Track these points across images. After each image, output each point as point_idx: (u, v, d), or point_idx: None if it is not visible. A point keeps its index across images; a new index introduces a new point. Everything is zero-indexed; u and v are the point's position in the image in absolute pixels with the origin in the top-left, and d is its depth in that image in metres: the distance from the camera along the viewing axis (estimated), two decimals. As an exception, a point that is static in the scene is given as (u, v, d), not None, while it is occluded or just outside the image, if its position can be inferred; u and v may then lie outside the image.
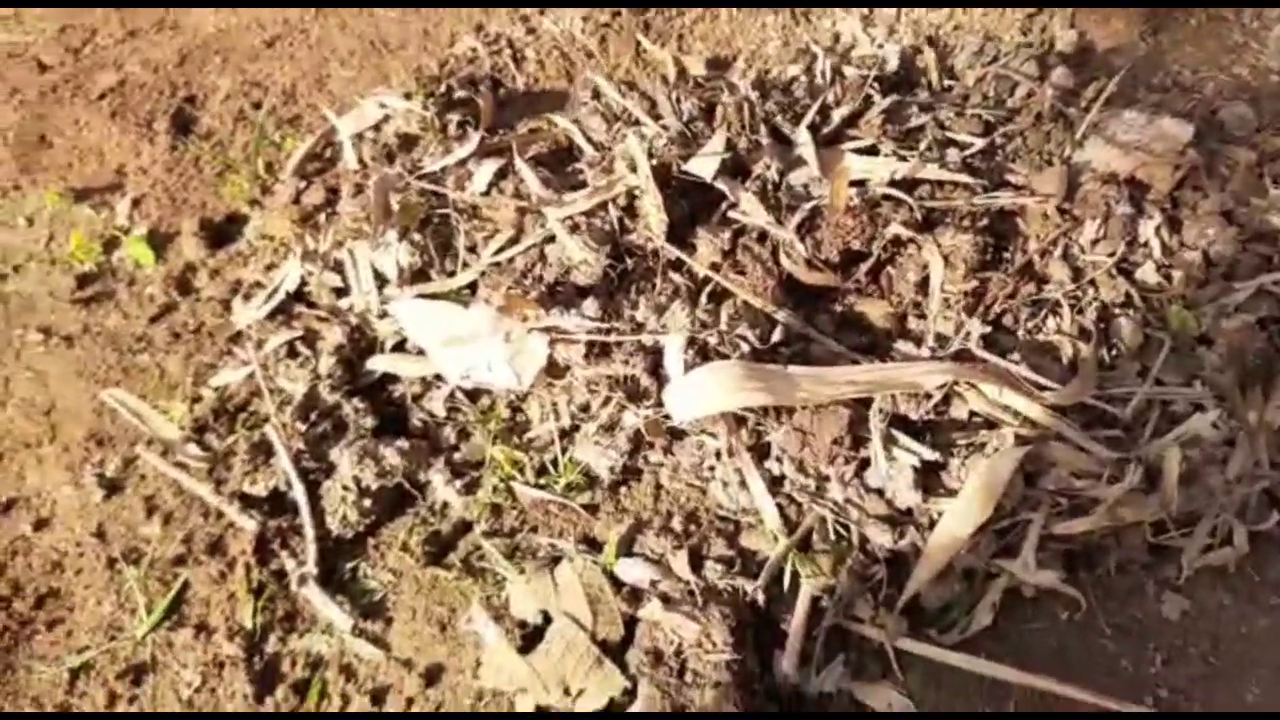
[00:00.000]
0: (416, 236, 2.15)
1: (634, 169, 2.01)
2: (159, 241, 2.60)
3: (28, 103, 2.92)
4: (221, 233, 2.62)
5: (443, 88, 2.80)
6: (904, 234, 2.00)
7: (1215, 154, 2.32)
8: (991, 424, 1.90)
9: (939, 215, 2.10)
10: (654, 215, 1.98)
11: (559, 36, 3.09)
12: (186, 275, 2.52)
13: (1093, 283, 2.06)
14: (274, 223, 2.50)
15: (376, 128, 2.66)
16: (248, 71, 3.04)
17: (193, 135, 2.87)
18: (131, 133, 2.84)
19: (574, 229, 2.00)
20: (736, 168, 2.08)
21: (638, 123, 2.15)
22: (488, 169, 2.19)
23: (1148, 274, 2.08)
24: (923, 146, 2.16)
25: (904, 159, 2.12)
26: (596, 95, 2.27)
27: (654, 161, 1.96)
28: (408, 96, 2.71)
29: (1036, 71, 2.43)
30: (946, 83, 2.42)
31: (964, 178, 2.12)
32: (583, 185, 2.10)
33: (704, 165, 2.00)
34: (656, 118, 2.16)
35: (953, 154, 2.17)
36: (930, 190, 2.14)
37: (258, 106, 2.94)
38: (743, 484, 1.82)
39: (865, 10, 3.12)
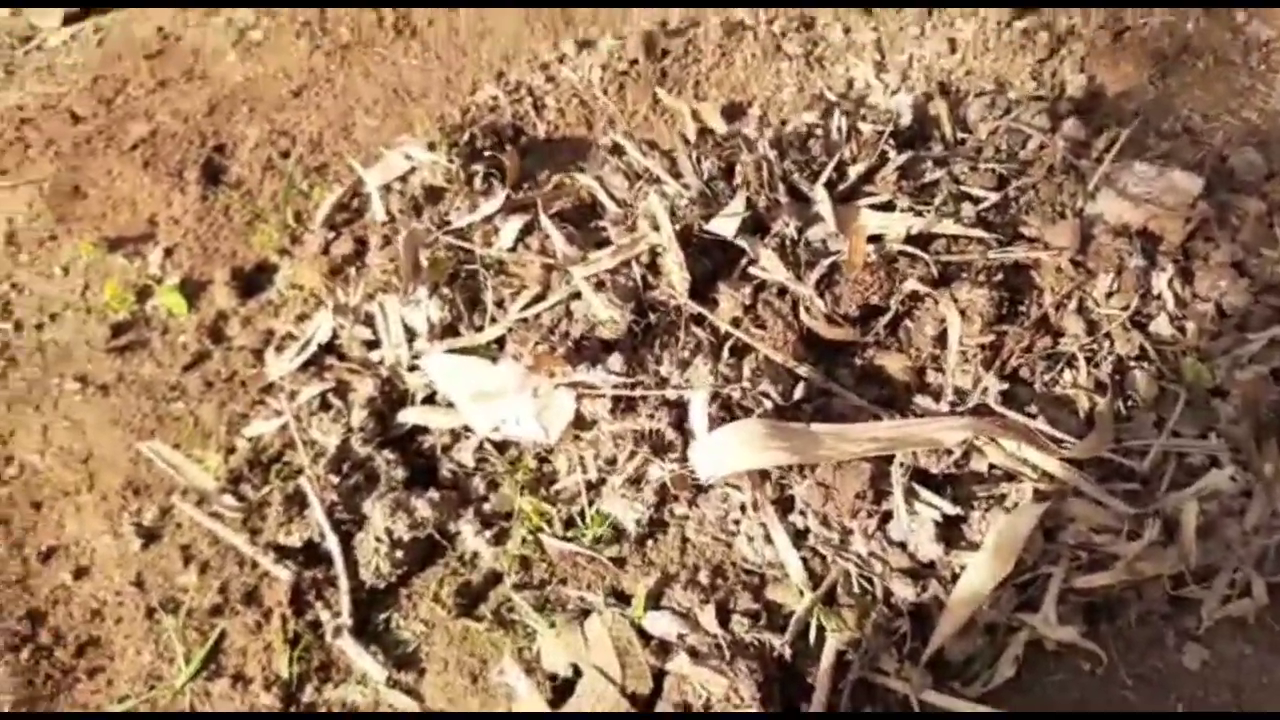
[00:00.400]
0: (445, 291, 2.21)
1: (656, 227, 2.07)
2: (191, 290, 2.67)
3: (63, 154, 3.00)
4: (252, 282, 2.68)
5: (466, 137, 2.87)
6: (921, 289, 2.05)
7: (1226, 204, 2.37)
8: (1011, 476, 1.94)
9: (955, 270, 2.15)
10: (676, 273, 2.03)
11: (578, 84, 3.16)
12: (218, 324, 2.59)
13: (1108, 335, 2.11)
14: (304, 273, 2.57)
15: (403, 179, 2.73)
16: (275, 121, 3.12)
17: (222, 184, 2.95)
18: (163, 182, 2.92)
19: (599, 286, 2.06)
20: (756, 225, 2.14)
21: (659, 181, 2.21)
22: (514, 225, 2.25)
23: (1161, 326, 2.12)
24: (938, 201, 2.21)
25: (920, 214, 2.17)
26: (618, 152, 2.34)
27: (677, 226, 2.01)
28: (432, 147, 2.78)
29: (1048, 124, 2.48)
30: (960, 135, 2.48)
31: (978, 232, 2.17)
32: (606, 242, 2.16)
33: (725, 225, 2.06)
34: (677, 176, 2.22)
35: (967, 208, 2.22)
36: (946, 244, 2.19)
37: (286, 155, 3.02)
38: (768, 538, 1.87)
39: (878, 57, 3.20)
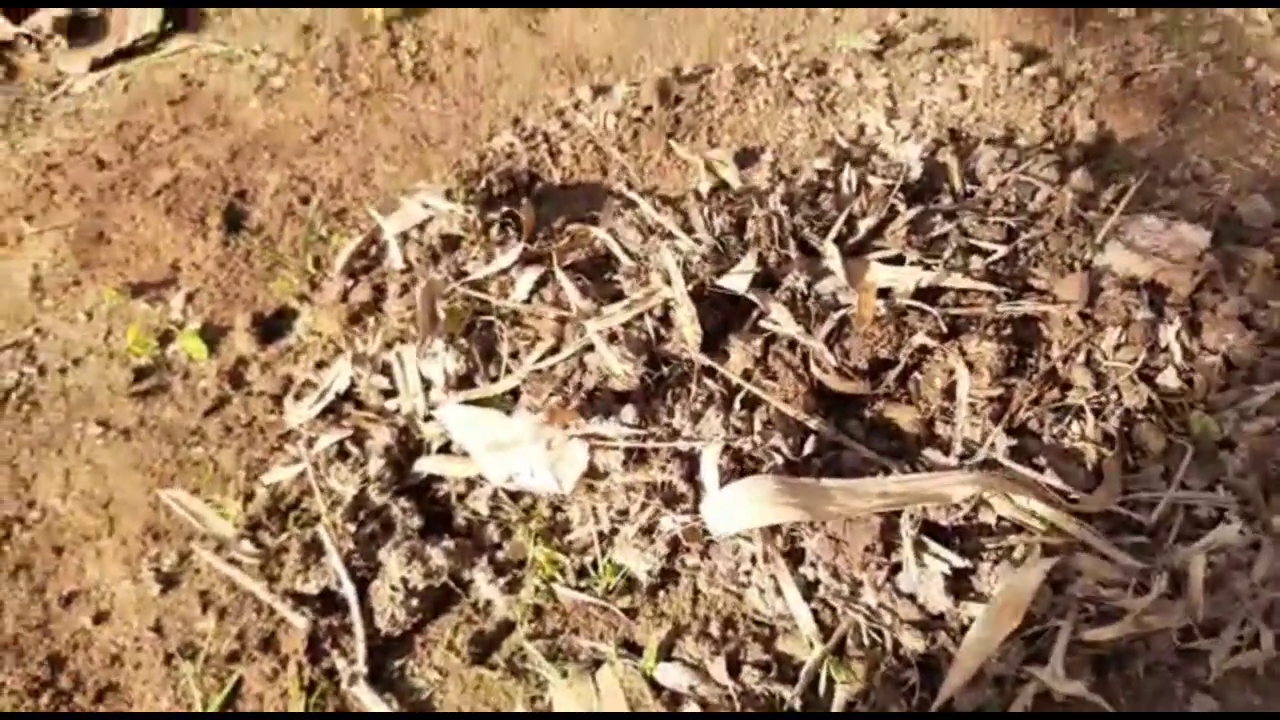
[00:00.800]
0: (462, 342, 2.28)
1: (669, 281, 2.14)
2: (212, 336, 2.75)
3: (88, 200, 3.11)
4: (272, 327, 2.76)
5: (482, 184, 2.96)
6: (929, 343, 2.11)
7: (1233, 256, 2.42)
8: (1020, 529, 1.99)
9: (964, 323, 2.21)
10: (688, 327, 2.10)
11: (593, 131, 3.26)
12: (239, 369, 2.67)
13: (1115, 388, 2.15)
14: (323, 320, 2.65)
15: (420, 227, 2.81)
16: (296, 167, 3.22)
17: (244, 230, 3.04)
18: (186, 228, 3.01)
19: (612, 339, 2.13)
20: (767, 279, 2.21)
21: (671, 236, 2.28)
22: (529, 277, 2.33)
23: (1169, 379, 2.17)
24: (947, 254, 2.27)
25: (929, 268, 2.23)
26: (631, 205, 2.41)
27: (690, 284, 2.08)
28: (449, 195, 2.87)
29: (1056, 176, 2.55)
30: (969, 187, 2.54)
31: (987, 285, 2.23)
32: (620, 295, 2.23)
33: (737, 281, 2.12)
34: (689, 231, 2.30)
35: (976, 261, 2.28)
36: (955, 297, 2.25)
37: (306, 201, 3.11)
38: (778, 590, 1.91)
39: (889, 103, 3.28)
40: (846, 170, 2.42)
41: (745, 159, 3.14)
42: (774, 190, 2.33)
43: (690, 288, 2.11)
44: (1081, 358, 2.19)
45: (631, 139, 3.24)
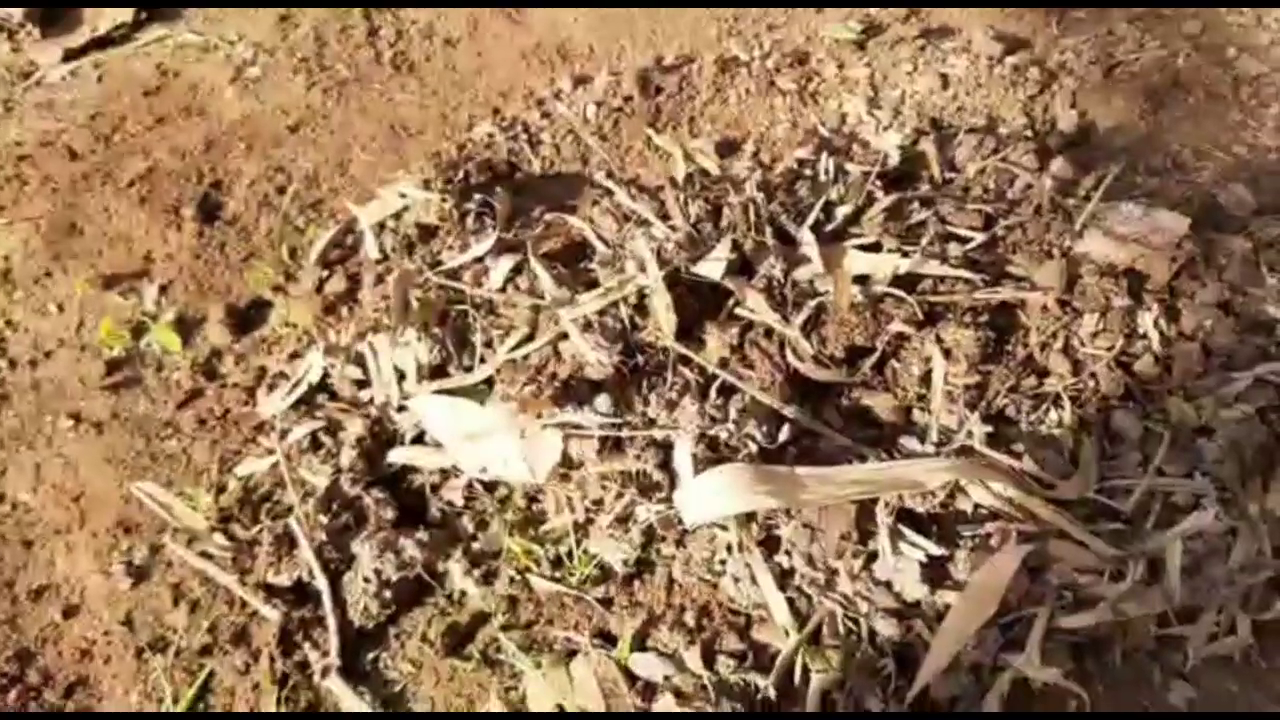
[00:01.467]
0: (436, 331, 2.27)
1: (644, 269, 2.13)
2: (186, 328, 2.73)
3: (60, 191, 3.08)
4: (246, 319, 2.74)
5: (460, 174, 2.95)
6: (906, 330, 2.11)
7: (1212, 243, 2.42)
8: (996, 516, 1.98)
9: (941, 310, 2.21)
10: (664, 315, 2.09)
11: (573, 121, 3.24)
12: (212, 361, 2.65)
13: (1093, 375, 2.15)
14: (297, 311, 2.63)
15: (397, 216, 2.79)
16: (272, 157, 3.20)
17: (219, 221, 3.01)
18: (159, 220, 2.99)
19: (586, 327, 2.12)
20: (743, 266, 2.20)
21: (647, 223, 2.27)
22: (504, 266, 2.32)
23: (1147, 366, 2.17)
24: (924, 241, 2.27)
25: (906, 255, 2.23)
26: (608, 194, 2.40)
27: (664, 270, 2.07)
28: (426, 184, 2.85)
29: (1036, 163, 2.55)
30: (947, 175, 2.54)
31: (965, 273, 2.22)
32: (595, 283, 2.22)
33: (712, 268, 2.12)
34: (665, 218, 2.29)
35: (954, 248, 2.28)
36: (933, 284, 2.25)
37: (282, 191, 3.09)
38: (753, 579, 1.91)
39: (870, 93, 3.27)
40: (824, 158, 2.41)
41: (726, 149, 3.13)
42: (750, 177, 2.32)
43: (665, 275, 2.10)
44: (1059, 344, 2.19)
45: (612, 128, 3.23)
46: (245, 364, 2.63)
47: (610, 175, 3.10)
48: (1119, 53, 3.38)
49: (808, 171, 2.44)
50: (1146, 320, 2.22)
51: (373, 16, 3.66)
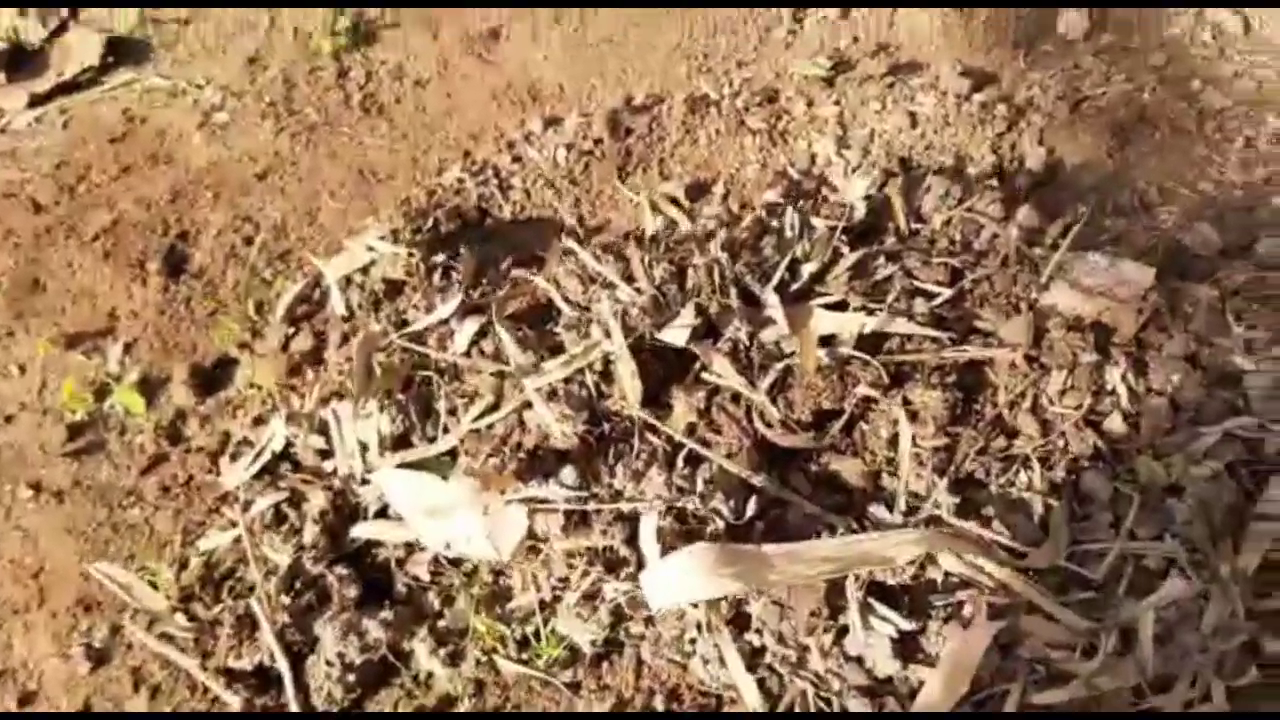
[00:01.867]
0: (400, 398, 2.18)
1: (609, 335, 2.04)
2: (150, 388, 2.62)
3: (22, 245, 2.96)
4: (211, 379, 2.64)
5: (430, 222, 2.85)
6: (873, 393, 2.03)
7: (1178, 292, 2.35)
8: (968, 584, 1.91)
9: (908, 369, 2.13)
10: (629, 382, 2.00)
11: (543, 165, 3.15)
12: (177, 424, 2.54)
13: (1062, 435, 2.08)
14: (262, 372, 2.53)
15: (364, 270, 2.70)
16: (239, 206, 3.09)
17: (185, 275, 2.91)
18: (124, 274, 2.88)
19: (552, 395, 2.03)
20: (709, 329, 2.12)
21: (612, 285, 2.19)
22: (469, 329, 2.23)
23: (1115, 424, 2.10)
24: (891, 298, 2.19)
25: (872, 313, 2.15)
26: (573, 254, 2.31)
27: (629, 340, 1.99)
28: (395, 235, 2.75)
29: (1002, 212, 2.47)
30: (914, 225, 2.46)
31: (931, 331, 2.15)
32: (561, 347, 2.13)
33: (676, 335, 2.03)
34: (630, 279, 2.20)
35: (920, 304, 2.20)
36: (900, 342, 2.17)
37: (249, 243, 2.99)
38: (722, 660, 1.83)
39: (839, 131, 3.19)
40: (789, 213, 2.32)
41: (696, 191, 3.05)
42: (715, 236, 2.23)
43: (630, 341, 2.01)
44: (1028, 403, 2.11)
45: (583, 172, 3.14)
46: (210, 427, 2.53)
47: (581, 221, 3.02)
48: (1085, 87, 3.31)
49: (775, 224, 2.35)
50: (1114, 376, 2.15)
51: (342, 58, 3.55)
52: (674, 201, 2.95)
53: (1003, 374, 2.16)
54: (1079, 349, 2.15)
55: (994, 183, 2.59)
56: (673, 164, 3.18)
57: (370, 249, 2.71)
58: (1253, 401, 2.17)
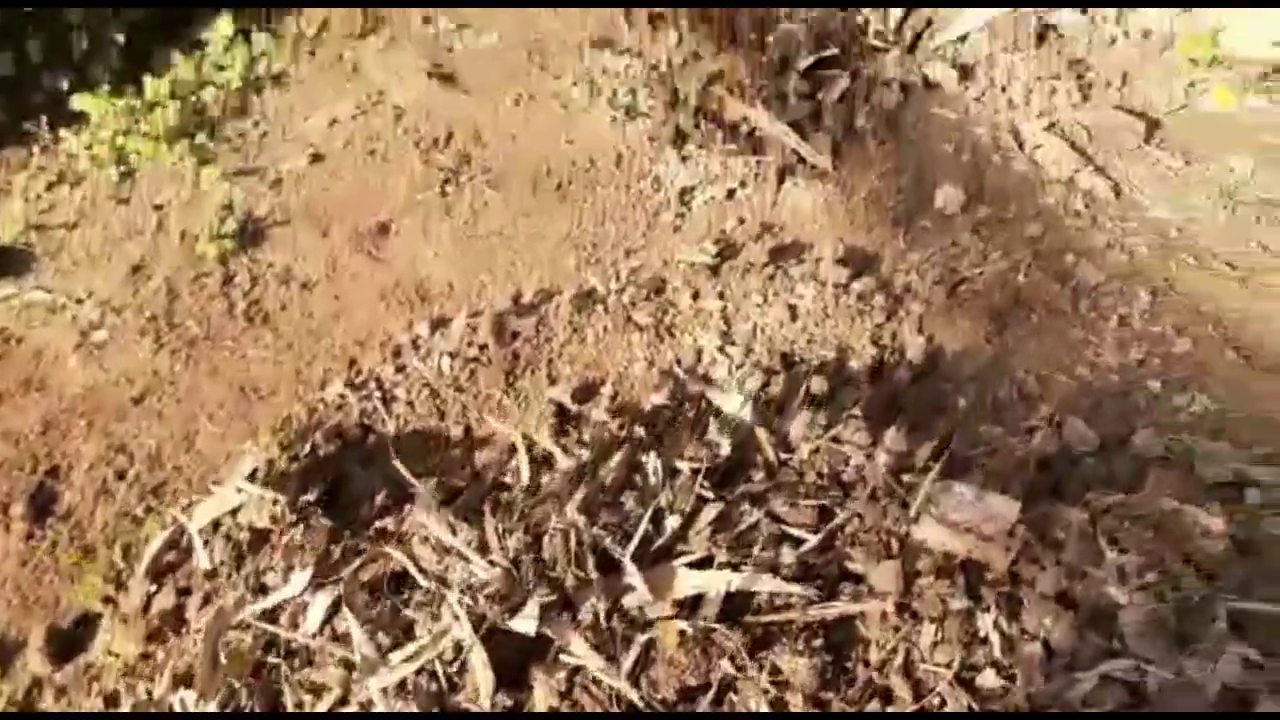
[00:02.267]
0: (248, 685, 2.04)
1: (459, 619, 1.94)
2: (6, 653, 2.46)
3: (-121, 496, 2.80)
4: (71, 641, 2.48)
5: (307, 447, 2.76)
6: (735, 670, 1.94)
7: (1048, 517, 2.31)
8: None
9: (776, 630, 2.04)
10: (481, 673, 1.89)
11: (428, 374, 3.08)
12: (30, 696, 2.38)
13: (938, 694, 2.00)
14: (121, 638, 2.39)
15: (234, 513, 2.58)
16: (113, 434, 2.97)
17: (52, 516, 2.76)
18: (-14, 522, 2.73)
19: (401, 688, 1.91)
20: (566, 603, 2.02)
21: (465, 559, 2.09)
22: (321, 604, 2.11)
23: (989, 680, 2.02)
24: (757, 549, 2.12)
25: (737, 568, 2.07)
26: (424, 526, 2.22)
27: (480, 631, 1.89)
28: (270, 465, 2.66)
29: (869, 439, 2.43)
30: (782, 456, 2.41)
31: (797, 589, 2.07)
32: (413, 626, 2.02)
33: (526, 624, 1.93)
34: (484, 549, 2.10)
35: (787, 553, 2.13)
36: (768, 599, 2.09)
37: (121, 477, 2.86)
38: None
39: (723, 325, 3.17)
40: (650, 458, 2.26)
41: (584, 394, 3.00)
42: (573, 496, 2.15)
43: (482, 631, 1.91)
44: (899, 661, 2.03)
45: (469, 379, 3.07)
46: (65, 699, 2.36)
47: (467, 432, 2.94)
48: (963, 267, 3.35)
49: (636, 478, 2.28)
50: (986, 622, 2.07)
51: (229, 262, 3.49)
52: (559, 410, 2.90)
53: (874, 628, 2.08)
54: (948, 596, 2.08)
55: (861, 405, 2.55)
56: (561, 364, 3.13)
57: (239, 490, 2.60)
58: (1128, 640, 2.10)
